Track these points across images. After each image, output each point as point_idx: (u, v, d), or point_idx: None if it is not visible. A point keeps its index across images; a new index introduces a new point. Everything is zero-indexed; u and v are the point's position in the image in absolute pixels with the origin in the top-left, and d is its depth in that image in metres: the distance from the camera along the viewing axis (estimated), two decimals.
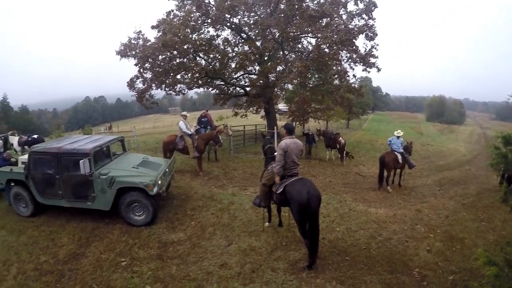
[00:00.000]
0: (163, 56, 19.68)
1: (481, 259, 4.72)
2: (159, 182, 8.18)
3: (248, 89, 24.46)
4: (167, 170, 9.21)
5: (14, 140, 14.32)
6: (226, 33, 24.52)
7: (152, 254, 6.84)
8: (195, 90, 24.72)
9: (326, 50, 18.84)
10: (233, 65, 24.39)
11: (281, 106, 37.64)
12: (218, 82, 23.90)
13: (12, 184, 8.81)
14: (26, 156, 9.89)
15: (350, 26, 19.55)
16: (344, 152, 17.11)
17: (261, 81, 22.26)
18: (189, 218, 8.55)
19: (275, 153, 7.05)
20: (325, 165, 16.21)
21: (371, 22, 21.31)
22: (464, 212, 9.46)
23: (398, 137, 12.42)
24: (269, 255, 6.53)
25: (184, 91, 22.95)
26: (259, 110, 26.86)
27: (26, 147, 14.23)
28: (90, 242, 7.47)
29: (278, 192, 6.36)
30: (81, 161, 7.60)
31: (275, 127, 18.69)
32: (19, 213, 8.91)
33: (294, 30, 19.38)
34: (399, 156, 12.08)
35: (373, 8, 21.13)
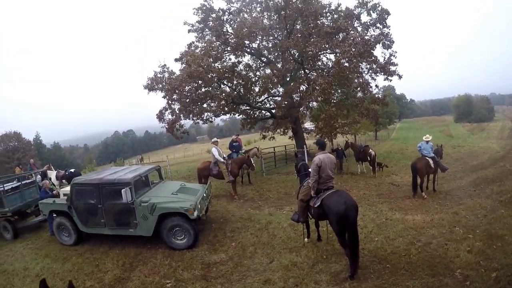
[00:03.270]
0: (189, 87, 20.40)
1: None
2: (199, 206, 8.44)
3: (273, 111, 24.93)
4: (204, 194, 9.48)
5: (52, 174, 15.13)
6: (247, 58, 25.29)
7: (196, 275, 7.02)
8: (222, 117, 25.42)
9: (346, 64, 19.07)
10: (256, 89, 25.06)
11: (307, 125, 37.82)
12: (243, 107, 24.54)
13: (54, 215, 9.34)
14: (67, 188, 10.36)
15: (366, 37, 19.78)
16: (376, 164, 17.08)
17: (285, 102, 22.66)
18: (229, 239, 8.77)
19: (309, 169, 7.34)
20: (357, 179, 16.23)
21: (386, 30, 21.62)
22: (502, 209, 9.27)
23: (427, 141, 12.41)
24: (311, 269, 6.66)
25: (211, 118, 23.69)
26: (286, 131, 27.25)
27: (64, 181, 14.93)
28: (134, 266, 7.75)
29: (315, 206, 6.57)
30: (123, 190, 7.96)
31: (305, 146, 18.87)
32: (62, 242, 9.33)
33: (313, 49, 19.77)
34: (431, 161, 12.04)
35: (386, 16, 21.42)
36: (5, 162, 52.92)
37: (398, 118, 67.72)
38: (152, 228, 8.41)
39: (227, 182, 13.06)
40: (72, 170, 16.16)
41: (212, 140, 13.76)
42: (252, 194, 13.72)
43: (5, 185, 10.95)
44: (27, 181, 12.18)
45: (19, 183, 11.45)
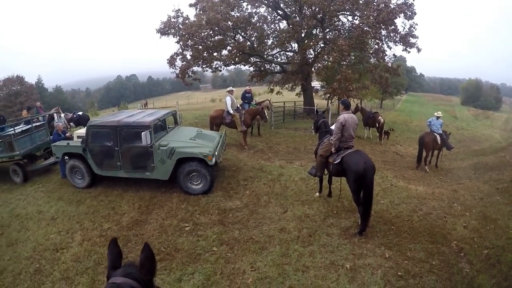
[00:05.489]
0: (205, 33, 20.15)
1: None
2: (216, 153, 8.59)
3: (285, 66, 24.76)
4: (220, 142, 9.61)
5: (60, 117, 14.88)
6: (263, 10, 24.70)
7: (213, 219, 7.33)
8: (229, 67, 25.19)
9: (367, 28, 18.86)
10: (269, 42, 24.72)
11: (314, 83, 37.60)
12: (254, 59, 24.29)
13: (66, 158, 9.31)
14: (81, 131, 10.40)
15: (391, 6, 19.39)
16: (383, 131, 17.29)
17: (299, 58, 22.50)
18: (243, 187, 9.10)
19: (330, 127, 7.71)
20: (363, 143, 16.50)
21: (410, 0, 21.01)
22: (498, 196, 9.66)
23: (438, 117, 12.67)
24: (322, 222, 7.11)
25: (221, 68, 23.55)
26: (294, 87, 27.14)
27: (71, 123, 15.00)
28: (150, 209, 7.93)
29: (335, 162, 6.90)
30: (143, 133, 7.90)
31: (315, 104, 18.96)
32: (75, 185, 9.35)
33: (336, 8, 19.42)
34: (438, 137, 12.36)
35: None
36: (7, 106, 52.10)
37: (405, 90, 67.07)
38: (169, 172, 8.53)
39: (239, 131, 13.19)
40: (80, 113, 16.30)
41: (228, 89, 13.70)
42: (262, 146, 13.96)
43: (15, 128, 10.71)
44: (37, 123, 12.02)
45: (30, 125, 11.28)
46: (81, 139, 9.22)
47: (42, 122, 12.29)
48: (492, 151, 19.02)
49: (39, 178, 10.60)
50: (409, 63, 70.85)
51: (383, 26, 19.37)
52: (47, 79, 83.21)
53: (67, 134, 10.56)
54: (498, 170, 13.10)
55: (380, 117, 17.05)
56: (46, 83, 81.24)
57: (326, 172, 7.70)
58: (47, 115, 14.12)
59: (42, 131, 11.75)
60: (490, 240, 6.67)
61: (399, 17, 19.72)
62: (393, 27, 20.17)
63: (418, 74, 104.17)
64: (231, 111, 12.83)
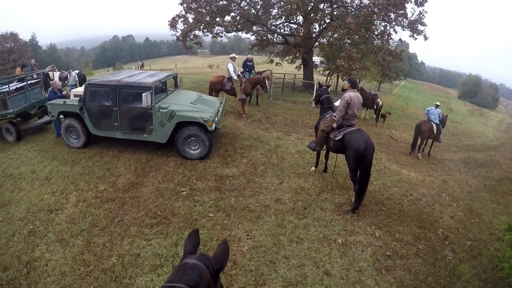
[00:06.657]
0: None
1: (502, 225, 5.49)
2: (216, 119, 8.51)
3: (288, 37, 24.42)
4: (220, 108, 9.52)
5: (55, 75, 14.73)
6: None
7: (210, 186, 7.35)
8: (229, 34, 24.84)
9: (376, 9, 18.58)
10: (273, 12, 24.30)
11: (314, 58, 37.34)
12: (257, 28, 23.93)
13: (62, 117, 9.19)
14: (79, 89, 10.18)
15: None
16: (380, 114, 17.27)
17: (303, 31, 22.19)
18: (240, 155, 9.10)
19: (333, 103, 7.75)
20: (359, 123, 16.24)
21: None
22: (485, 192, 9.86)
23: (437, 106, 12.79)
24: (317, 196, 7.22)
25: (222, 34, 23.06)
26: (294, 60, 26.84)
27: (66, 82, 14.71)
28: (146, 172, 7.90)
29: (336, 139, 6.96)
30: (143, 94, 7.76)
31: (315, 79, 18.82)
32: (70, 145, 9.21)
33: None
34: (435, 127, 12.47)
35: None
36: (0, 63, 50.65)
37: (404, 76, 66.74)
38: (168, 135, 8.47)
39: (238, 99, 13.09)
40: (76, 71, 16.07)
41: (230, 55, 13.44)
42: (260, 116, 13.89)
43: (10, 85, 10.35)
44: (32, 81, 11.62)
45: (24, 83, 10.83)
46: (78, 98, 9.05)
47: (36, 80, 11.94)
48: (484, 148, 19.30)
49: (32, 137, 10.43)
50: (411, 50, 70.20)
51: (392, 9, 19.05)
52: (41, 37, 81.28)
53: (63, 93, 10.34)
54: (487, 168, 13.34)
55: (379, 100, 16.99)
56: (40, 40, 79.47)
57: (324, 147, 7.76)
58: (42, 73, 13.75)
59: (37, 89, 11.49)
60: (474, 233, 6.89)
61: (410, 2, 19.40)
62: (402, 11, 19.87)
63: (419, 62, 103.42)
64: (235, 77, 12.63)
